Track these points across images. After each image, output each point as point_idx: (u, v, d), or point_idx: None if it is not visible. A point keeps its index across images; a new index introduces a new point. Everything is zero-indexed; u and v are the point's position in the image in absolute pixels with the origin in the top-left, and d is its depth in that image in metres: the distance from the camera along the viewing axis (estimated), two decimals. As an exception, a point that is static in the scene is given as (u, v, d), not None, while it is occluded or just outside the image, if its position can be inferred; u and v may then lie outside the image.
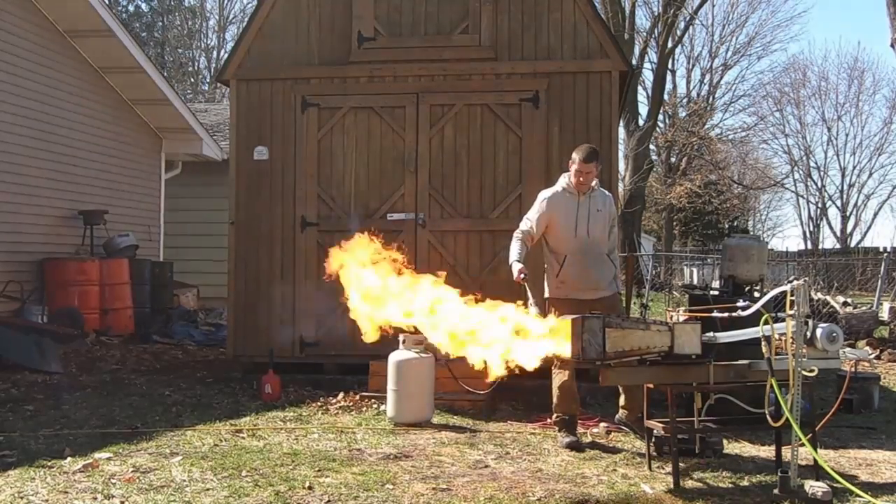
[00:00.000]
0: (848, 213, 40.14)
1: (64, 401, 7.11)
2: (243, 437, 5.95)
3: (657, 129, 30.46)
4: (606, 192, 6.37)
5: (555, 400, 6.05)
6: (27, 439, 5.71)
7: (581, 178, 6.03)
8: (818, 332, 4.70)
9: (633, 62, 24.48)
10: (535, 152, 8.09)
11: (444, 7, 8.25)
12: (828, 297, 13.65)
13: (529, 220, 6.16)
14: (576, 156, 6.06)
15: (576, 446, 5.77)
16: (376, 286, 5.14)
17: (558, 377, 6.01)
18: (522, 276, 5.89)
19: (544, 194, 6.21)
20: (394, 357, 6.55)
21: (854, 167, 39.61)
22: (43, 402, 7.09)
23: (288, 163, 8.36)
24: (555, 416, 6.06)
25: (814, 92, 39.88)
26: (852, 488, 4.57)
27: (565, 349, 4.82)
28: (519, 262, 5.97)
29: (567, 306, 5.73)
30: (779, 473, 4.72)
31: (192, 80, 38.62)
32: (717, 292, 7.32)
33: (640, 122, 26.92)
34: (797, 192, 41.29)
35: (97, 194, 12.16)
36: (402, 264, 5.30)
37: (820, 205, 40.76)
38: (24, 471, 4.89)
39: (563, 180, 6.17)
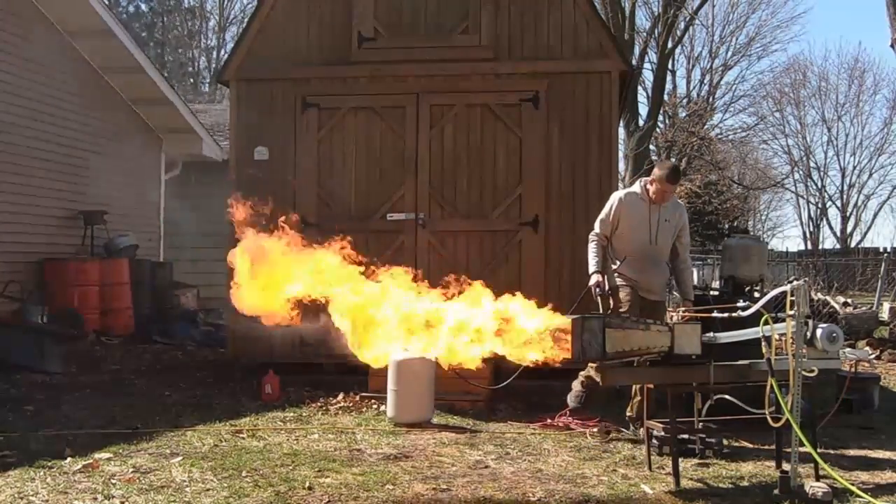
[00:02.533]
0: (848, 214, 40.06)
1: (64, 401, 7.11)
2: (243, 438, 5.95)
3: (657, 129, 30.43)
4: (679, 203, 6.43)
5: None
6: (27, 439, 5.70)
7: (663, 196, 6.15)
8: (818, 332, 4.70)
9: (633, 62, 24.48)
10: (535, 152, 8.09)
11: (445, 7, 8.25)
12: (828, 298, 13.64)
13: (602, 221, 6.33)
14: (659, 173, 6.14)
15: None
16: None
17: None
18: (598, 289, 6.12)
19: (617, 195, 6.38)
20: (394, 357, 6.53)
21: (854, 167, 39.52)
22: (43, 402, 7.09)
23: (288, 163, 8.36)
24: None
25: (814, 92, 39.78)
26: (852, 488, 4.57)
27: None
28: (598, 271, 6.19)
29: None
30: (779, 473, 4.72)
31: (192, 80, 38.60)
32: (717, 292, 7.33)
33: (640, 123, 26.89)
34: (797, 192, 41.23)
35: (97, 194, 12.14)
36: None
37: (820, 205, 40.70)
38: (24, 471, 4.89)
39: (639, 185, 6.29)
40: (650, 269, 6.20)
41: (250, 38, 8.55)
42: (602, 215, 6.34)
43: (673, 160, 33.32)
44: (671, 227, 6.21)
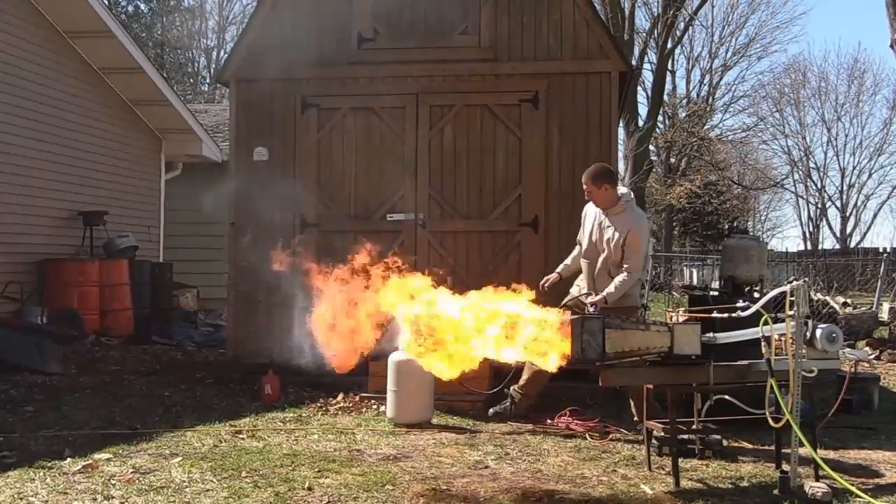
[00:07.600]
0: (847, 214, 40.12)
1: (64, 402, 7.10)
2: (243, 438, 5.95)
3: (657, 129, 30.50)
4: (635, 218, 6.26)
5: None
6: (27, 440, 5.70)
7: (591, 198, 6.31)
8: (818, 332, 4.70)
9: (633, 63, 24.49)
10: (535, 153, 8.09)
11: (444, 7, 8.25)
12: (827, 298, 13.65)
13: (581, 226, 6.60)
14: None
15: (495, 417, 6.44)
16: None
17: None
18: (544, 283, 6.38)
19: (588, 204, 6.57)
20: (393, 358, 6.53)
21: (854, 168, 39.58)
22: (43, 403, 7.09)
23: (288, 163, 8.36)
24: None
25: (813, 93, 39.86)
26: (852, 488, 4.57)
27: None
28: (557, 272, 6.60)
29: (576, 308, 6.14)
30: (779, 474, 4.72)
31: (192, 80, 38.61)
32: (716, 293, 7.33)
33: (640, 123, 26.94)
34: (797, 192, 41.30)
35: (97, 195, 12.16)
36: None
37: (819, 205, 40.75)
38: (24, 472, 4.89)
39: None
40: (593, 276, 6.32)
41: (250, 37, 8.55)
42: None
43: (672, 160, 33.37)
44: (613, 237, 6.20)
